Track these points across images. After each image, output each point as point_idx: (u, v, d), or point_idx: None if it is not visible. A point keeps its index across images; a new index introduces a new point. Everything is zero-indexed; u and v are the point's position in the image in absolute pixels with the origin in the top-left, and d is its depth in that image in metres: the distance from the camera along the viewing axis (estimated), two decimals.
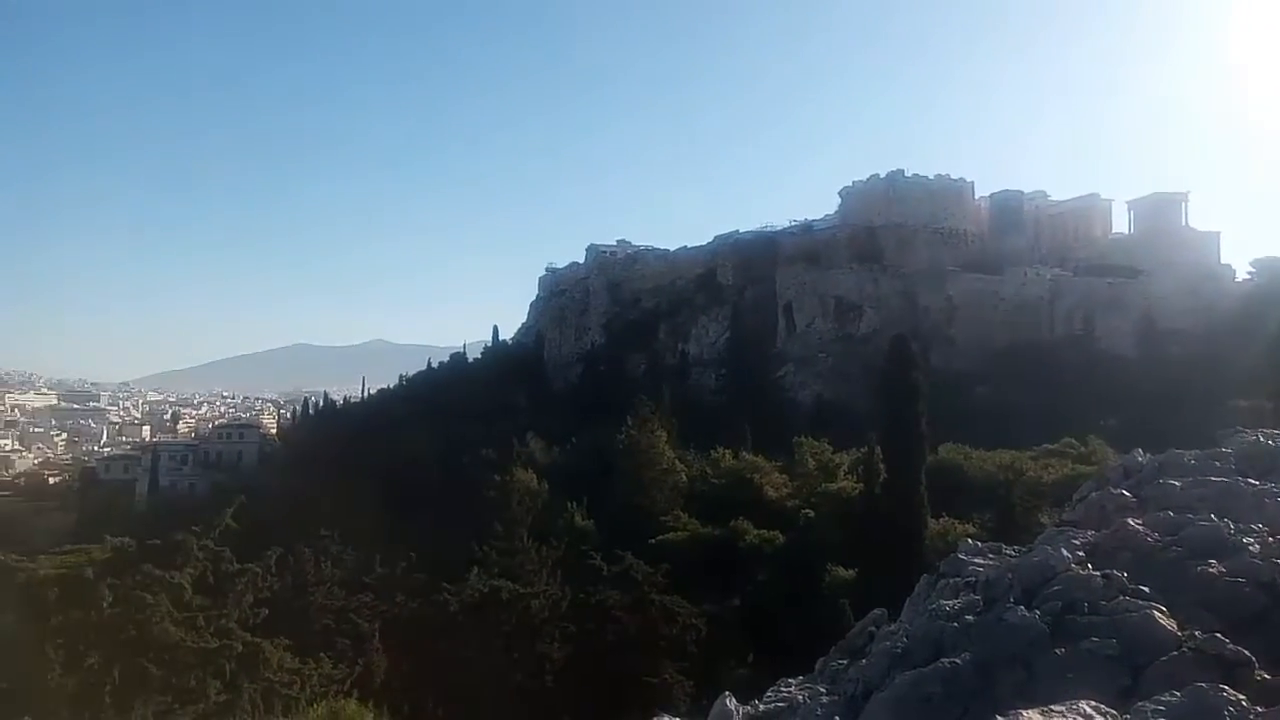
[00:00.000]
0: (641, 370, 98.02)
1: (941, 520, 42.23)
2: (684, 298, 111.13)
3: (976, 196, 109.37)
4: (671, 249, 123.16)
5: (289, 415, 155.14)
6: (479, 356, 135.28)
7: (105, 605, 20.34)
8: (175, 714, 20.04)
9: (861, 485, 46.37)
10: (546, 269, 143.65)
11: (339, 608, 31.53)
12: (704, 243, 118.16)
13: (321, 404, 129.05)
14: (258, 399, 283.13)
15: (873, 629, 7.52)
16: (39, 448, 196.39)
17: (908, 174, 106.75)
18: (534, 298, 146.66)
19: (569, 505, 52.05)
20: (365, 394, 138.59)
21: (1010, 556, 7.70)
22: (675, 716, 7.46)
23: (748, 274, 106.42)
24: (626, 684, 30.21)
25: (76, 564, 21.47)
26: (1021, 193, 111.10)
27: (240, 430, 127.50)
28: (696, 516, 51.03)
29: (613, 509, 53.84)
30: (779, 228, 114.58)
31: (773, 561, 44.49)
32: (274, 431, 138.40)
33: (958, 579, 7.41)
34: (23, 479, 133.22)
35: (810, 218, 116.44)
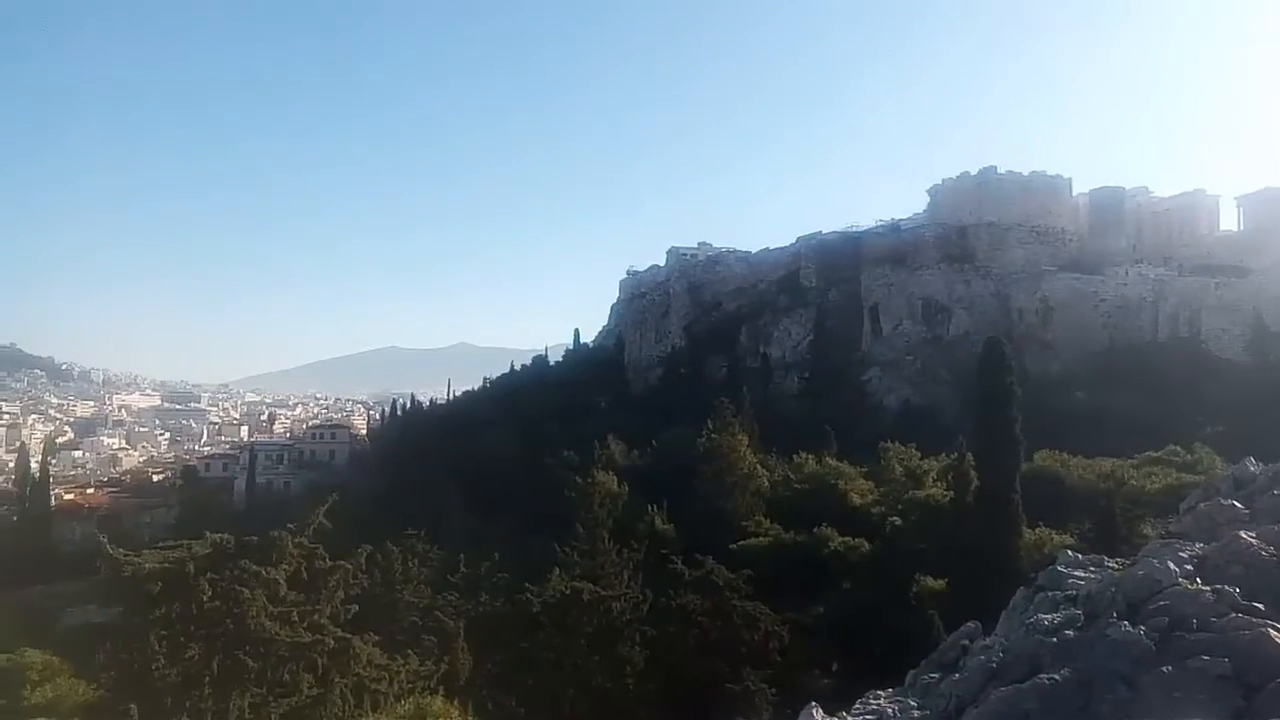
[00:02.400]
0: (722, 373, 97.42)
1: (1037, 531, 40.69)
2: (766, 300, 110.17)
3: (1074, 193, 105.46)
4: (753, 251, 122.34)
5: (378, 416, 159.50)
6: (560, 359, 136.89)
7: (205, 599, 21.14)
8: (270, 706, 20.70)
9: (951, 493, 45.11)
10: (627, 272, 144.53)
11: (426, 605, 32.21)
12: (786, 244, 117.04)
13: (408, 405, 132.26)
14: (349, 400, 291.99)
15: (965, 642, 7.27)
16: (144, 446, 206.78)
17: (1000, 171, 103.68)
18: (615, 301, 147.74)
19: (649, 508, 52.05)
20: (450, 395, 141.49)
21: (1113, 570, 7.36)
22: None
23: (831, 275, 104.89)
24: (708, 689, 30.04)
25: (179, 558, 22.34)
26: (1123, 189, 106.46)
27: (332, 430, 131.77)
28: (778, 522, 50.39)
29: (693, 513, 53.65)
30: (864, 228, 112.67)
31: (858, 570, 43.62)
32: (364, 432, 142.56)
33: (1056, 592, 7.11)
34: (129, 476, 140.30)
35: (897, 217, 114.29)
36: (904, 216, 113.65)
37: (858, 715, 6.82)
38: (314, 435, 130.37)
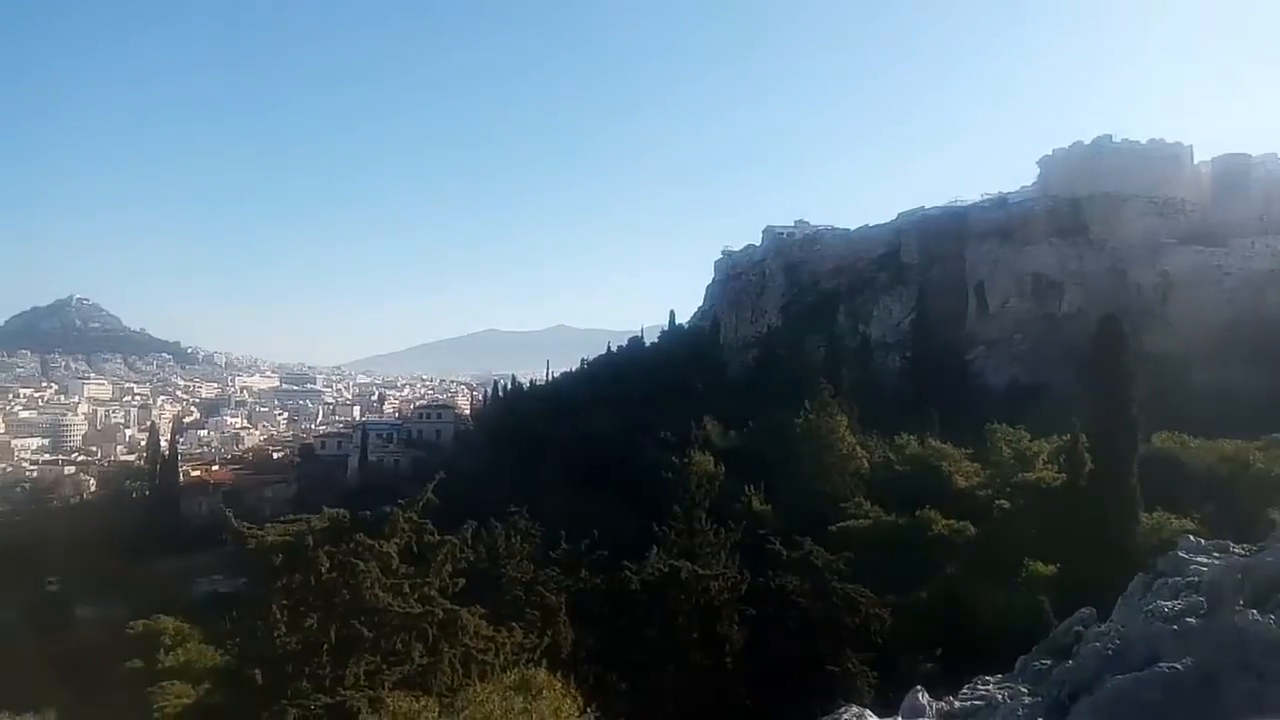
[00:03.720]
0: (820, 353, 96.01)
1: (1155, 515, 38.97)
2: (865, 278, 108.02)
3: (1195, 162, 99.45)
4: (852, 228, 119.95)
5: (480, 396, 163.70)
6: (655, 340, 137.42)
7: (323, 571, 22.16)
8: (384, 674, 21.61)
9: (1064, 476, 43.59)
10: (723, 252, 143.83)
11: (528, 580, 32.98)
12: (886, 220, 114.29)
13: (509, 386, 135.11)
14: (453, 381, 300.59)
15: (1079, 628, 7.06)
16: (264, 425, 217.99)
17: (1116, 139, 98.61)
18: (710, 281, 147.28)
19: (746, 489, 51.94)
20: (549, 376, 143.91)
21: (1238, 555, 7.04)
22: (859, 706, 7.29)
23: (934, 252, 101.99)
24: (807, 670, 29.92)
25: (298, 532, 23.48)
26: (1248, 156, 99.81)
27: (438, 411, 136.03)
28: (879, 504, 49.63)
29: (791, 494, 53.30)
30: (969, 202, 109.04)
31: (963, 553, 42.62)
32: (467, 412, 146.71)
33: (1177, 579, 6.85)
34: (250, 454, 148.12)
35: (1004, 191, 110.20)
36: (1012, 190, 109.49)
37: (965, 700, 6.73)
38: (421, 415, 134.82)
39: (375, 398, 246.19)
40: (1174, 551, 7.45)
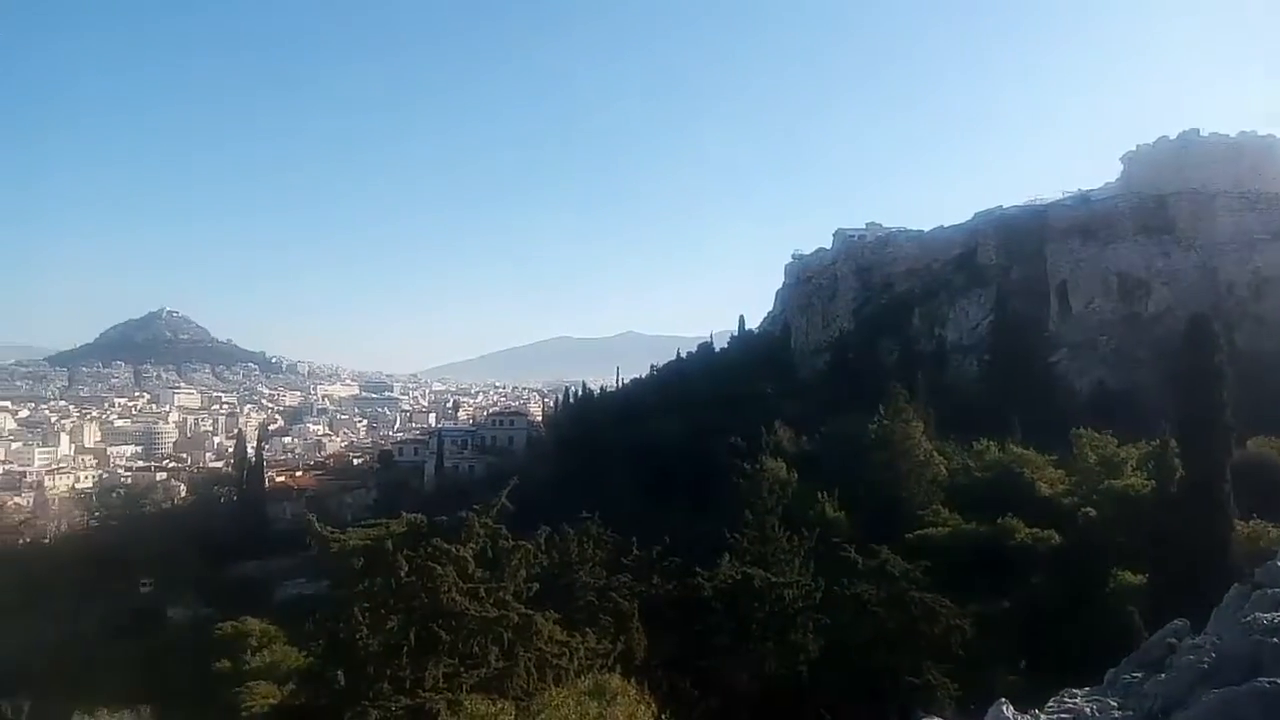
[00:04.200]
0: (893, 357, 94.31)
1: (1251, 524, 37.23)
2: (941, 280, 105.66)
3: None
4: (926, 230, 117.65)
5: (552, 403, 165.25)
6: (725, 346, 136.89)
7: (403, 574, 22.66)
8: (462, 676, 21.97)
9: (1153, 483, 41.93)
10: (793, 256, 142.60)
11: (601, 586, 33.13)
12: (962, 221, 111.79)
13: (580, 393, 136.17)
14: (525, 388, 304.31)
15: (1172, 640, 6.82)
16: (344, 432, 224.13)
17: (1204, 133, 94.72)
18: (780, 286, 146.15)
19: (819, 495, 51.30)
20: (619, 383, 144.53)
21: None
22: (940, 719, 7.16)
23: (1013, 252, 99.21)
24: (885, 680, 29.40)
25: (378, 536, 24.08)
26: None
27: (510, 418, 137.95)
28: (958, 512, 48.51)
29: (865, 501, 52.42)
30: (1049, 200, 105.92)
31: (1048, 563, 41.40)
32: (539, 418, 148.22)
33: (1277, 590, 6.56)
34: (332, 460, 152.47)
35: (1086, 188, 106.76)
36: (1094, 187, 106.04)
37: (1052, 713, 6.56)
38: (494, 422, 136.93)
39: (450, 405, 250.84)
40: (1272, 561, 7.13)
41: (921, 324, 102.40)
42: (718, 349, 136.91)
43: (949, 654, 31.31)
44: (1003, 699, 6.61)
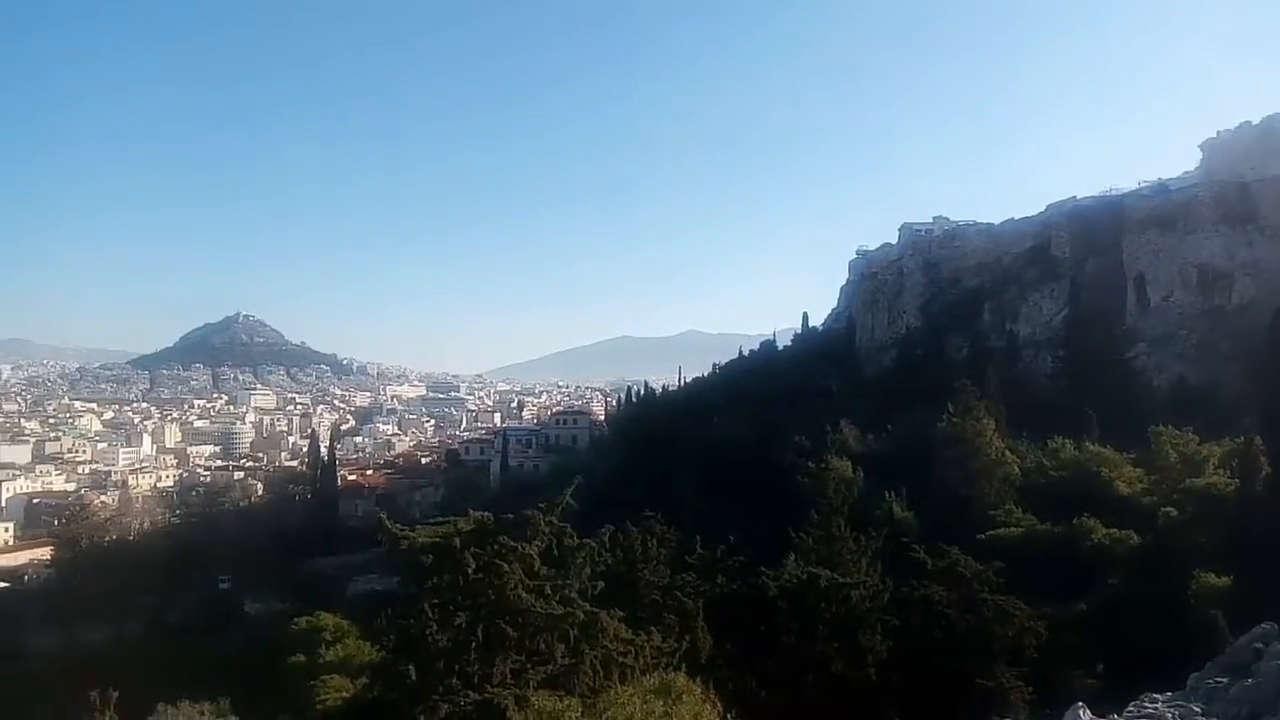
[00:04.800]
0: (963, 354, 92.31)
1: None
2: (1012, 274, 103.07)
3: None
4: (996, 222, 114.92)
5: (614, 402, 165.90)
6: (789, 344, 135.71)
7: (470, 571, 23.01)
8: (529, 673, 22.23)
9: (1236, 481, 40.37)
10: (857, 252, 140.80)
11: (665, 585, 33.16)
12: (1034, 213, 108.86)
13: (642, 392, 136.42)
14: (588, 388, 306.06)
15: (1259, 645, 6.55)
16: (413, 432, 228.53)
17: None
18: (844, 282, 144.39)
19: (887, 495, 50.55)
20: (681, 382, 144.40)
21: None
22: None
23: (1088, 244, 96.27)
24: (957, 683, 28.84)
25: (446, 534, 24.49)
26: None
27: (574, 417, 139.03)
28: (1031, 512, 47.31)
29: (935, 500, 51.52)
30: (1125, 190, 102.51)
31: (1126, 564, 40.16)
32: (602, 417, 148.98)
33: None
34: (401, 459, 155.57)
35: (1164, 177, 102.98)
36: (1172, 176, 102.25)
37: (1131, 717, 6.38)
38: (558, 421, 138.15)
39: (515, 404, 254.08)
40: None
41: (992, 319, 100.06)
42: (781, 347, 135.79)
43: (1023, 657, 30.61)
44: (1080, 703, 6.46)
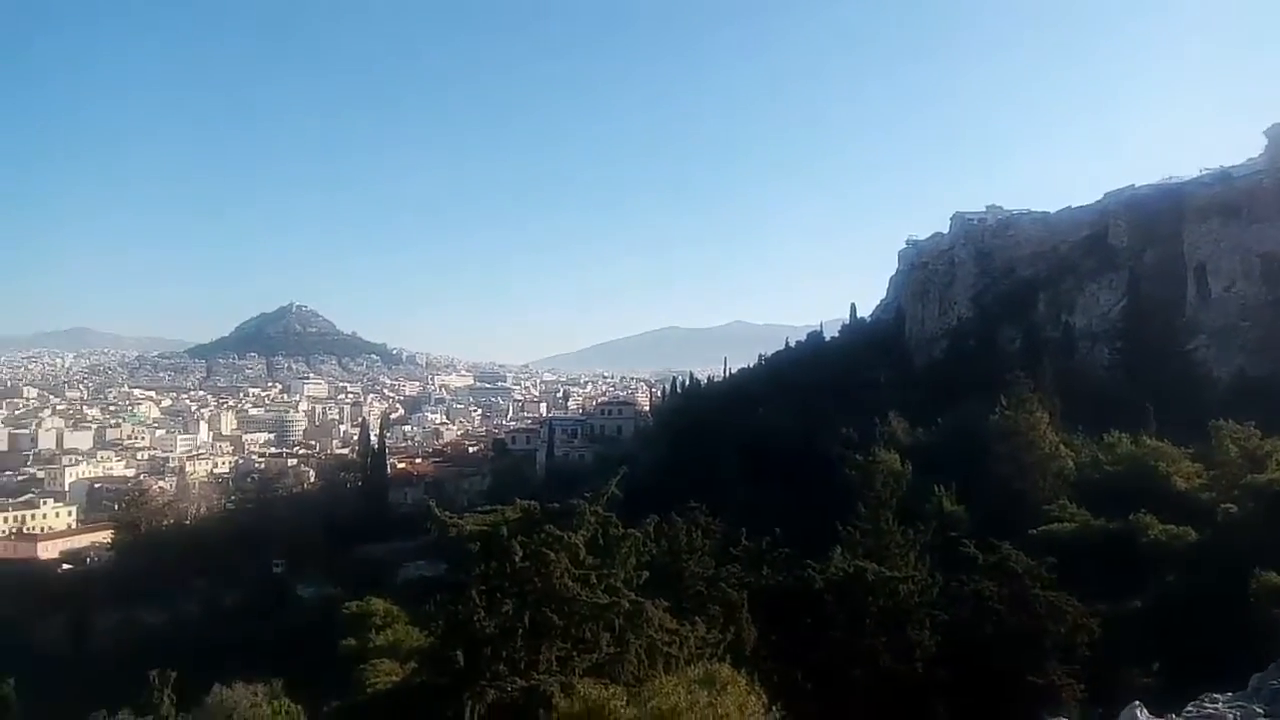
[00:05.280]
0: (1016, 345, 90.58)
1: None
2: (1068, 264, 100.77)
3: None
4: (1052, 211, 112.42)
5: (659, 393, 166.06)
6: (836, 335, 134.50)
7: (517, 559, 23.24)
8: (574, 660, 22.39)
9: None
10: (907, 241, 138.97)
11: (710, 576, 33.14)
12: (1091, 201, 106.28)
13: (687, 383, 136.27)
14: (633, 378, 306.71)
15: None
16: (460, 421, 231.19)
17: None
18: (893, 272, 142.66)
19: (936, 488, 49.87)
20: (726, 373, 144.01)
21: None
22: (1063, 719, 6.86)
23: (1147, 233, 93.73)
24: (1006, 680, 28.40)
25: (494, 522, 24.71)
26: None
27: (619, 407, 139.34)
28: (1086, 507, 46.28)
29: (985, 495, 50.65)
30: (1186, 178, 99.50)
31: (1184, 561, 39.04)
32: (647, 408, 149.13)
33: None
34: (449, 447, 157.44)
35: (1226, 164, 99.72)
36: (1235, 163, 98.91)
37: (1190, 718, 6.21)
38: (603, 411, 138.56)
39: (560, 395, 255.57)
40: None
41: (1047, 310, 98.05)
42: (828, 338, 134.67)
43: (1075, 654, 30.02)
44: (1137, 702, 6.31)
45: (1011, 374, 62.70)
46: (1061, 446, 54.98)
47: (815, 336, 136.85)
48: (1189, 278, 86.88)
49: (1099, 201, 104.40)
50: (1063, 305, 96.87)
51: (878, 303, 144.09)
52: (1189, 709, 6.37)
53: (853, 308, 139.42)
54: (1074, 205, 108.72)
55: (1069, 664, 29.45)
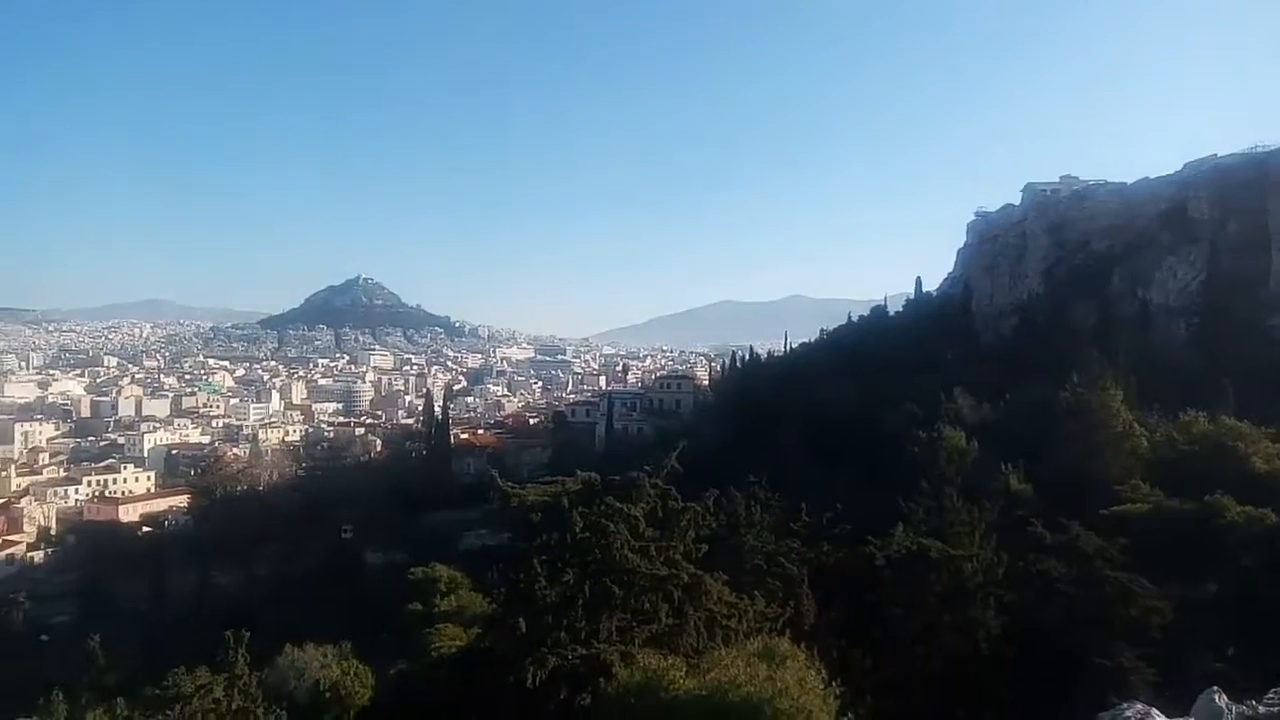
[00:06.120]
0: (1089, 321, 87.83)
1: None
2: (1145, 237, 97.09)
3: None
4: (1129, 182, 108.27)
5: (718, 368, 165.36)
6: (900, 309, 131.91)
7: (577, 530, 23.47)
8: (634, 631, 22.58)
9: None
10: (976, 213, 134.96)
11: (769, 550, 33.08)
12: (1171, 172, 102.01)
13: (746, 357, 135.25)
14: (691, 352, 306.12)
15: None
16: (521, 393, 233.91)
17: None
18: (961, 245, 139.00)
19: (1003, 466, 48.82)
20: (786, 348, 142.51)
21: None
22: (1143, 704, 6.64)
23: (1229, 205, 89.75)
24: (1073, 663, 27.80)
25: (554, 493, 24.99)
26: None
27: (678, 381, 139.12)
28: (1160, 487, 44.86)
29: (1054, 474, 49.37)
30: (1272, 148, 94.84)
31: (1262, 545, 37.61)
32: (705, 382, 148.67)
33: None
34: (510, 419, 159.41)
35: None
36: None
37: (1273, 705, 5.97)
38: (662, 385, 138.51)
39: (619, 368, 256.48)
40: None
41: (1122, 284, 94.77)
42: (892, 312, 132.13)
43: (1146, 638, 29.23)
44: (1215, 687, 6.09)
45: (1084, 350, 60.93)
46: (1135, 425, 53.29)
47: (879, 311, 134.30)
48: (1273, 251, 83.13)
49: (1178, 172, 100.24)
50: (1139, 280, 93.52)
51: (945, 276, 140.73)
52: (1270, 696, 6.13)
53: (918, 281, 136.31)
54: (1152, 176, 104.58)
55: (1140, 647, 28.70)
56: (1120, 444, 51.16)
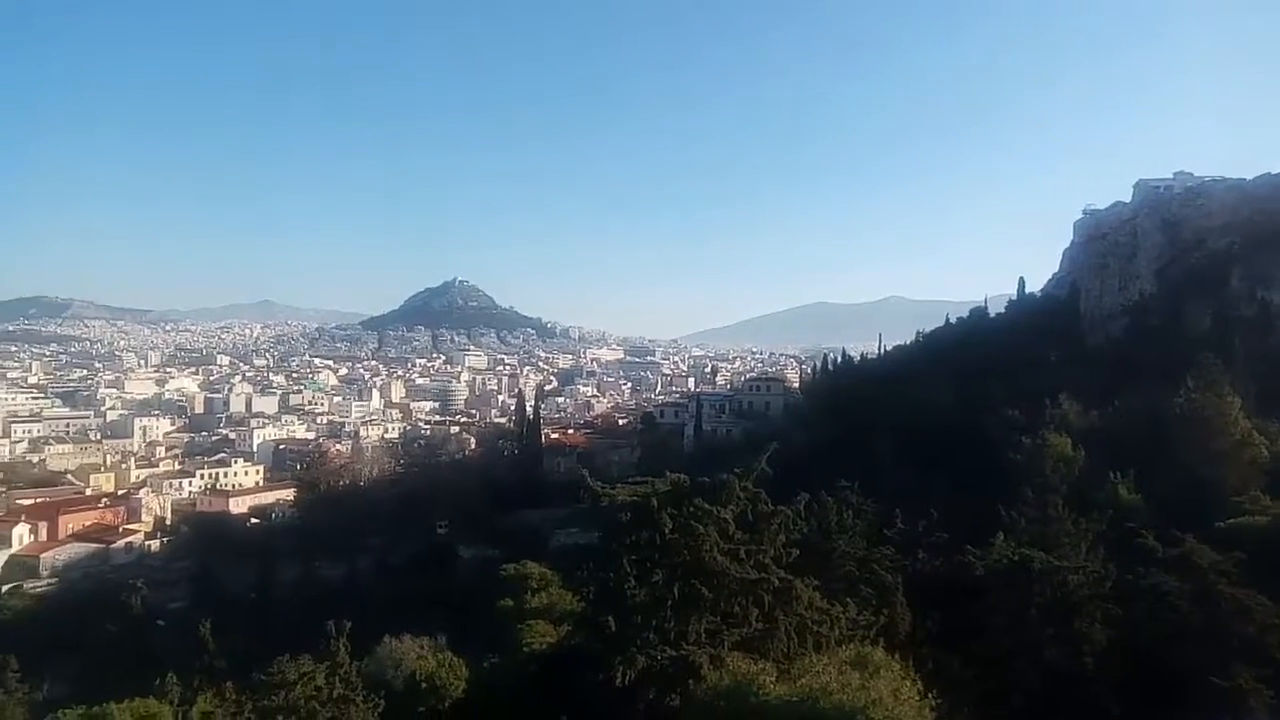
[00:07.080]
0: (1205, 323, 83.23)
1: None
2: (1267, 234, 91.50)
3: None
4: (1249, 178, 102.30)
5: (809, 370, 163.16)
6: (1001, 311, 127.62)
7: (666, 531, 23.45)
8: (723, 633, 22.44)
9: None
10: (1084, 211, 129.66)
11: (861, 557, 32.39)
12: None
13: (839, 360, 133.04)
14: (782, 355, 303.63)
15: None
16: (610, 394, 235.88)
17: None
18: (1067, 245, 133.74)
19: (1112, 475, 46.74)
20: (881, 350, 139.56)
21: None
22: None
23: None
24: (1187, 681, 26.39)
25: (644, 493, 25.03)
26: None
27: (767, 384, 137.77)
28: None
29: (1167, 484, 47.05)
30: None
31: None
32: (796, 385, 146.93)
33: None
34: (599, 419, 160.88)
35: None
36: None
37: None
38: (751, 387, 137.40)
39: (708, 370, 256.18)
40: None
41: (1241, 285, 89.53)
42: (993, 314, 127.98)
43: (1264, 656, 27.52)
44: None
45: (1200, 354, 57.78)
46: (1255, 433, 50.42)
47: (979, 313, 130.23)
48: None
49: None
50: (1259, 280, 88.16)
51: (1050, 277, 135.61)
52: None
53: (1020, 282, 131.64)
54: (1275, 172, 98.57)
55: (1258, 667, 27.03)
56: (1238, 453, 48.53)
